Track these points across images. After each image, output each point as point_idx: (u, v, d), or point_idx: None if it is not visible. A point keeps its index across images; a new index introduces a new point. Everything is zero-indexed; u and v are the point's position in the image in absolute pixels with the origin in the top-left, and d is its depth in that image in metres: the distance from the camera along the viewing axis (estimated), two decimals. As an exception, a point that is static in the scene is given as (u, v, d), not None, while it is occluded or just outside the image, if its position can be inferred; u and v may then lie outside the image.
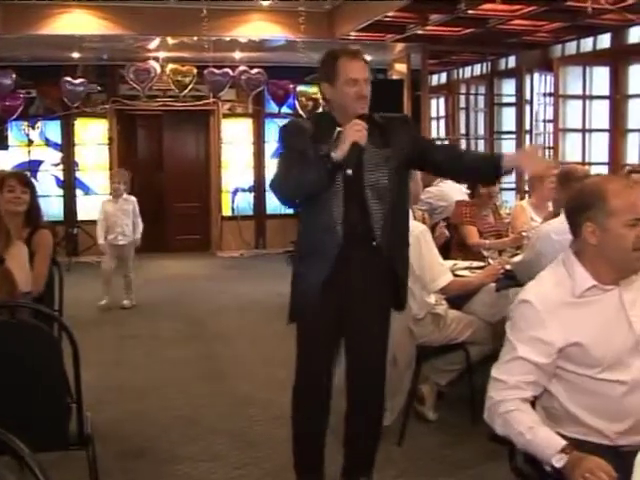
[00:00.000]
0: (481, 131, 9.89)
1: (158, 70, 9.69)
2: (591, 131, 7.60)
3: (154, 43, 8.95)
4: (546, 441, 1.95)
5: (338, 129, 2.74)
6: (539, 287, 2.12)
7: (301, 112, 10.13)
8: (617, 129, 7.42)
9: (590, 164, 7.32)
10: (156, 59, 9.67)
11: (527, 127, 8.94)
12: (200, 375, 5.02)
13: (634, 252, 2.01)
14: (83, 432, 2.60)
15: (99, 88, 10.39)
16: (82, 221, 10.18)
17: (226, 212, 11.20)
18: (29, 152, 10.46)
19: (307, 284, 2.87)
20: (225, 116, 10.99)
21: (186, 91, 10.09)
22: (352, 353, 2.97)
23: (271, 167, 10.33)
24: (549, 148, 8.22)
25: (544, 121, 8.58)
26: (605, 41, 7.59)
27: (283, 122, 3.15)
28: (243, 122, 11.16)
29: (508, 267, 3.76)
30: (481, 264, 4.09)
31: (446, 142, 9.49)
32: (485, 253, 4.28)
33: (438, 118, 10.46)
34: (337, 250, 2.79)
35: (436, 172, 3.76)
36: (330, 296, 2.84)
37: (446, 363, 3.95)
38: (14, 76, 9.29)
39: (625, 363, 2.04)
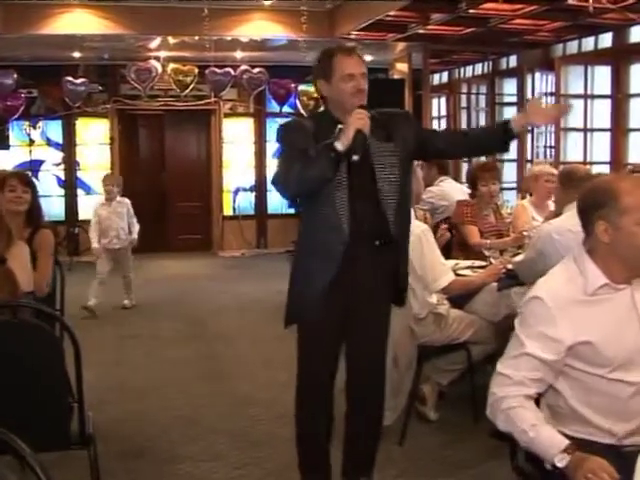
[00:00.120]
0: (482, 131, 9.86)
1: (159, 70, 9.70)
2: (592, 130, 7.58)
3: (155, 43, 8.95)
4: (549, 440, 1.94)
5: (340, 126, 2.71)
6: (550, 284, 2.10)
7: (303, 111, 10.13)
8: (619, 128, 7.41)
9: (591, 163, 7.31)
10: (157, 59, 9.67)
11: (528, 126, 8.91)
12: (201, 375, 5.02)
13: None
14: (85, 432, 2.60)
15: (100, 88, 10.39)
16: (83, 221, 10.13)
17: (227, 212, 11.21)
18: (30, 152, 10.48)
19: (311, 286, 2.82)
20: (226, 116, 10.99)
21: (187, 91, 10.09)
22: (353, 353, 2.95)
23: (272, 167, 10.32)
24: (550, 147, 8.22)
25: (545, 120, 8.55)
26: (607, 40, 7.58)
27: (283, 122, 3.13)
28: (244, 122, 11.16)
29: (510, 267, 3.76)
30: (483, 263, 4.08)
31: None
32: (487, 253, 4.28)
33: (439, 117, 10.45)
34: (343, 249, 2.75)
35: (441, 158, 3.77)
36: (335, 297, 2.80)
37: (448, 363, 3.94)
38: (15, 76, 9.30)
39: (636, 363, 2.03)
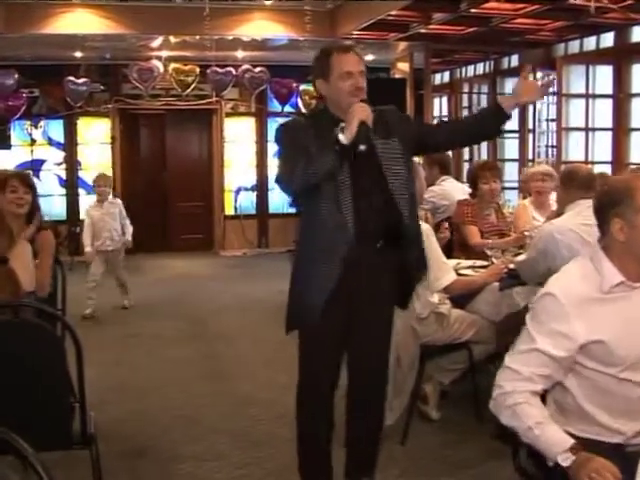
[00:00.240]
0: (484, 130, 9.85)
1: (161, 69, 9.69)
2: (594, 130, 7.58)
3: (157, 42, 8.95)
4: (554, 439, 1.94)
5: (342, 124, 2.68)
6: (564, 281, 2.08)
7: (304, 111, 10.13)
8: (620, 128, 7.40)
9: (593, 163, 7.30)
10: (159, 58, 9.67)
11: (530, 126, 8.92)
12: (201, 375, 5.02)
13: None
14: (86, 431, 2.60)
15: (102, 87, 10.38)
16: (84, 220, 10.17)
17: (229, 211, 11.21)
18: (32, 151, 10.47)
19: (312, 292, 2.77)
20: (228, 115, 10.99)
21: (189, 90, 10.09)
22: (355, 353, 2.94)
23: (274, 166, 10.32)
24: (552, 147, 8.21)
25: (547, 120, 8.57)
26: (608, 40, 7.57)
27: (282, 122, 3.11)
28: (246, 121, 11.15)
29: (512, 266, 3.75)
30: (485, 263, 4.07)
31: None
32: (489, 252, 4.27)
33: (441, 117, 10.44)
34: (347, 250, 2.71)
35: (441, 150, 3.80)
36: (338, 303, 2.76)
37: (450, 362, 3.94)
38: (17, 75, 9.29)
39: None
